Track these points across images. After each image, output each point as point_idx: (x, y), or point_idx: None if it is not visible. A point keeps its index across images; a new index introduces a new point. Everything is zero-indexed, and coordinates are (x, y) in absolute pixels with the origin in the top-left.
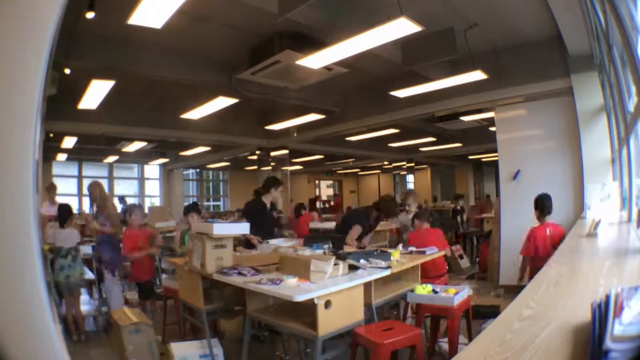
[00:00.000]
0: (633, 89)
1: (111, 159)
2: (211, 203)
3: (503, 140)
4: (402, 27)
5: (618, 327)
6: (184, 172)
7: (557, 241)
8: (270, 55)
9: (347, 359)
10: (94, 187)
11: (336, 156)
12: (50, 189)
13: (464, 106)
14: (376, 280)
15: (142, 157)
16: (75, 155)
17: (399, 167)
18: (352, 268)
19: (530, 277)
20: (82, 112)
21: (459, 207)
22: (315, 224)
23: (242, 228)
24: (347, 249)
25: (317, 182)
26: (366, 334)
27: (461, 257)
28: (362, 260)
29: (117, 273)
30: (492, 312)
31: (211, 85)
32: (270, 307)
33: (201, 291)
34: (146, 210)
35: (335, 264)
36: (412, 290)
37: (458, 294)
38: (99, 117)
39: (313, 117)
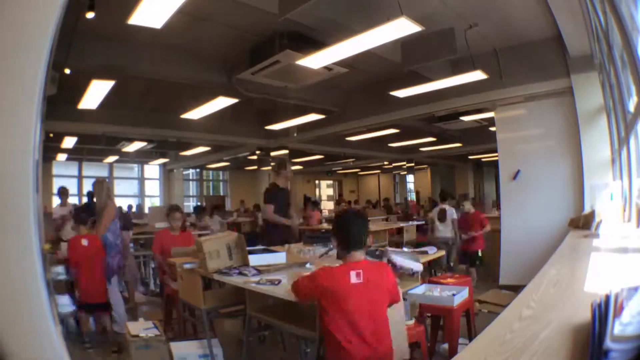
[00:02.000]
0: (633, 89)
1: (111, 159)
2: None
3: (503, 140)
4: (402, 27)
5: (618, 327)
6: (184, 172)
7: None
8: (270, 55)
9: None
10: (97, 185)
11: (336, 156)
12: (63, 193)
13: (464, 106)
14: None
15: (142, 157)
16: (75, 155)
17: (399, 167)
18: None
19: None
20: (82, 112)
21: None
22: None
23: (279, 258)
24: None
25: (317, 182)
26: None
27: None
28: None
29: (113, 279)
30: None
31: (211, 85)
32: (270, 307)
33: (201, 291)
34: (146, 211)
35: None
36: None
37: (458, 294)
38: (99, 117)
39: (313, 117)
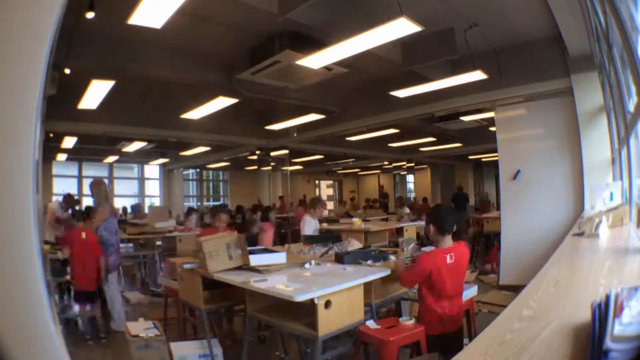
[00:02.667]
0: (633, 89)
1: (111, 159)
2: (211, 203)
3: (503, 140)
4: (402, 27)
5: (618, 327)
6: (184, 172)
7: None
8: (270, 55)
9: (347, 359)
10: (95, 186)
11: (336, 156)
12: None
13: (464, 106)
14: (376, 280)
15: (142, 157)
16: (75, 155)
17: (399, 167)
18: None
19: None
20: (82, 112)
21: None
22: None
23: (279, 257)
24: None
25: (317, 182)
26: (371, 331)
27: None
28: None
29: (111, 276)
30: None
31: (211, 85)
32: (270, 307)
33: (201, 291)
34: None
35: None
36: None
37: None
38: (99, 117)
39: (313, 117)
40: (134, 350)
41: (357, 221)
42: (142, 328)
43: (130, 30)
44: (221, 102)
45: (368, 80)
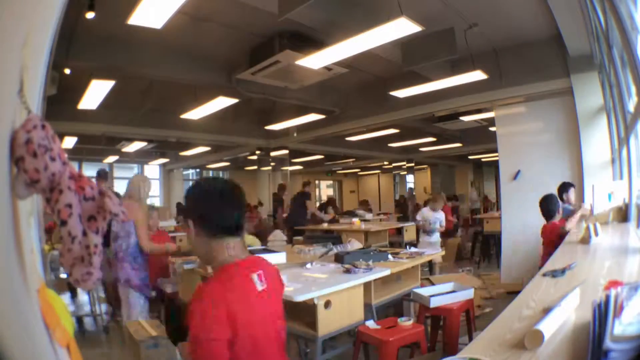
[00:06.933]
0: (633, 89)
1: (111, 159)
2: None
3: (503, 141)
4: (402, 27)
5: (618, 327)
6: (184, 172)
7: None
8: (270, 55)
9: (347, 359)
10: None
11: (336, 156)
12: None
13: (464, 106)
14: (376, 280)
15: (142, 157)
16: (75, 155)
17: (399, 167)
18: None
19: None
20: (82, 112)
21: None
22: None
23: (279, 257)
24: None
25: (317, 182)
26: (371, 332)
27: None
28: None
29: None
30: None
31: (211, 85)
32: None
33: None
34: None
35: None
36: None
37: (438, 296)
38: (99, 117)
39: (313, 117)
40: (143, 350)
41: (357, 221)
42: (149, 327)
43: (130, 30)
44: (221, 102)
45: (368, 80)
